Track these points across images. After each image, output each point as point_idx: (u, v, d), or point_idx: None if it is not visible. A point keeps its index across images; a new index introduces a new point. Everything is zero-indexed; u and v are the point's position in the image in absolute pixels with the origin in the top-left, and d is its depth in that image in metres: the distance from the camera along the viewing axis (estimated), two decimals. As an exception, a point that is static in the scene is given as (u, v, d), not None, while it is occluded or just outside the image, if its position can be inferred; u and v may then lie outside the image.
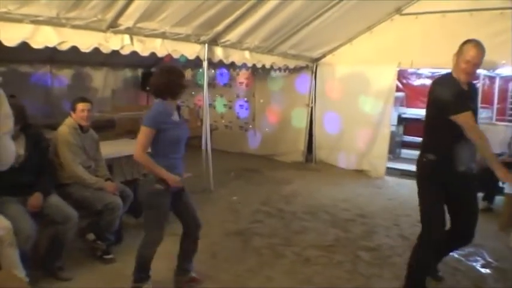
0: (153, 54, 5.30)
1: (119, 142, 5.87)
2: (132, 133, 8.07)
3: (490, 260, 4.29)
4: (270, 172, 7.82)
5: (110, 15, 4.48)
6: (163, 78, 3.21)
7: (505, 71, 8.08)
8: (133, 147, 5.14)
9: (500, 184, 5.94)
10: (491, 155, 3.09)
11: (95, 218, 3.97)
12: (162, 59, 6.32)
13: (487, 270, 4.10)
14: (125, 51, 4.94)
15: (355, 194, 6.71)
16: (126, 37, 4.83)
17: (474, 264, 4.22)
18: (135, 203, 4.23)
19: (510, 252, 4.51)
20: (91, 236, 4.08)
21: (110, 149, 4.99)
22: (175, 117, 3.33)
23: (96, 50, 4.67)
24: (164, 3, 4.71)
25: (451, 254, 4.35)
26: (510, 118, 8.60)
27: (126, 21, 4.70)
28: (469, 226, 3.36)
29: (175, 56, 5.56)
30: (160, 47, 5.27)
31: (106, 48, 4.73)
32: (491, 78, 9.47)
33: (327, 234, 4.87)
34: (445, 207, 3.28)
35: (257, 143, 9.25)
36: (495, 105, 9.09)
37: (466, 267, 4.13)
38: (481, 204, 5.93)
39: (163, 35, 5.23)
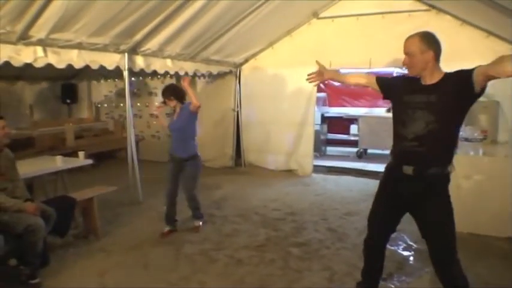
0: (70, 66, 5.13)
1: (39, 160, 5.60)
2: (54, 149, 7.79)
3: (410, 243, 4.60)
4: (200, 178, 7.79)
5: (20, 26, 4.28)
6: None
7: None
8: (54, 164, 5.02)
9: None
10: None
11: (16, 242, 3.74)
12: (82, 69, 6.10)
13: (408, 253, 4.41)
14: (39, 64, 4.74)
15: (284, 193, 6.88)
16: (39, 49, 4.64)
17: (396, 248, 4.51)
18: (60, 221, 4.07)
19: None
20: (13, 262, 3.85)
21: (30, 167, 4.77)
22: None
23: (7, 63, 4.45)
24: (79, 13, 4.53)
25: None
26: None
27: (38, 32, 4.50)
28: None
29: (94, 67, 5.41)
30: (77, 58, 5.10)
31: (17, 62, 4.51)
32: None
33: (258, 235, 4.95)
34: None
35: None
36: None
37: (389, 251, 4.36)
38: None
39: (79, 46, 5.07)
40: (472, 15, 6.27)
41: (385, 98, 3.12)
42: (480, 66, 2.52)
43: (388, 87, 3.08)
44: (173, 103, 4.86)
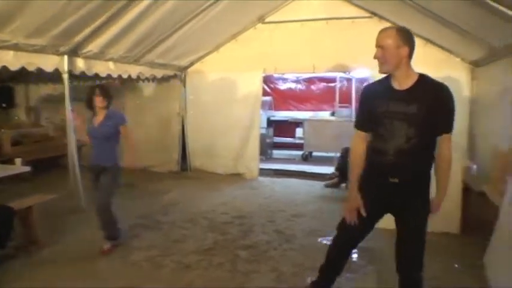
0: (5, 68, 4.87)
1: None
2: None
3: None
4: (145, 184, 7.66)
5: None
6: None
7: (359, 73, 8.99)
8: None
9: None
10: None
11: None
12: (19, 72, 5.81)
13: (355, 250, 4.47)
14: (-30, 66, 4.50)
15: (232, 197, 6.89)
16: (-29, 50, 4.41)
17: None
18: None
19: (375, 233, 4.98)
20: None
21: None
22: None
23: None
24: (15, 12, 4.31)
25: (320, 239, 4.77)
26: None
27: (-31, 32, 4.28)
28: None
29: (31, 69, 5.19)
30: (12, 60, 4.85)
31: None
32: (349, 80, 10.41)
33: (206, 239, 4.92)
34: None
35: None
36: (353, 104, 9.99)
37: None
38: (345, 192, 6.46)
39: (15, 47, 4.83)
40: (411, 23, 6.51)
41: None
42: (447, 140, 2.63)
43: (369, 115, 2.78)
44: (104, 104, 4.41)
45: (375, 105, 2.71)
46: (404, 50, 2.59)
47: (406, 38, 2.61)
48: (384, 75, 2.76)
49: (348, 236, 3.05)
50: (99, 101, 4.39)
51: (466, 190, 4.97)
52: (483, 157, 5.52)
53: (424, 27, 6.21)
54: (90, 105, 4.47)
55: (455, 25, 5.31)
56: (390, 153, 2.65)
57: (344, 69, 8.18)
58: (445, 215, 4.76)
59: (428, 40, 6.66)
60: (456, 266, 4.14)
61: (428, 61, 6.57)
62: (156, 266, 4.19)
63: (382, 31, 2.66)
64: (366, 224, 2.93)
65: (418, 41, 6.99)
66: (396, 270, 2.87)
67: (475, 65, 6.50)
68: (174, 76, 8.41)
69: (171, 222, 5.58)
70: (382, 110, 2.67)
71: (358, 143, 2.87)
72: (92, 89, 4.46)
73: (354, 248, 3.17)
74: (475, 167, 5.47)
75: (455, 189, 4.82)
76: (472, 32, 5.29)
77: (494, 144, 5.15)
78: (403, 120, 2.58)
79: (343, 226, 3.03)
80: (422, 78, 2.64)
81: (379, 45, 2.63)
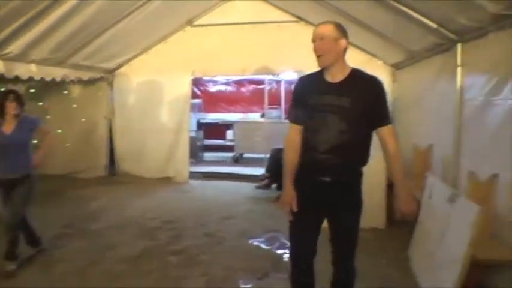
0: None
1: None
2: None
3: (284, 241, 4.81)
4: (71, 191, 7.35)
5: None
6: None
7: (287, 75, 9.23)
8: None
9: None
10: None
11: None
12: None
13: (283, 251, 4.64)
14: None
15: (162, 201, 6.82)
16: None
17: (271, 247, 4.79)
18: None
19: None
20: None
21: None
22: None
23: None
24: None
25: (251, 241, 4.87)
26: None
27: None
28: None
29: None
30: None
31: None
32: (278, 82, 10.65)
33: (135, 246, 4.83)
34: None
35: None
36: (283, 106, 10.23)
37: (264, 251, 4.70)
38: (276, 193, 6.57)
39: None
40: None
41: None
42: (388, 131, 2.62)
43: (303, 108, 2.73)
44: (17, 111, 4.09)
45: (307, 97, 2.70)
46: (343, 43, 2.65)
47: (343, 31, 2.68)
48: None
49: (300, 242, 2.87)
50: (12, 108, 4.07)
51: (390, 186, 5.23)
52: (405, 155, 5.81)
53: (348, 31, 6.49)
54: (1, 111, 4.11)
55: (376, 30, 5.60)
56: (322, 149, 2.60)
57: (271, 71, 8.34)
58: (371, 211, 5.03)
59: (351, 44, 6.95)
60: (384, 261, 4.33)
61: (351, 64, 6.89)
62: (82, 278, 4.05)
63: (319, 25, 2.71)
64: (311, 225, 2.81)
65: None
66: (331, 263, 2.90)
67: (396, 67, 6.89)
68: (101, 79, 8.16)
69: (99, 229, 5.41)
70: (314, 103, 2.65)
71: (293, 136, 2.77)
72: (5, 95, 4.14)
73: (312, 257, 2.87)
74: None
75: (380, 185, 5.09)
76: (391, 36, 5.62)
77: (414, 142, 5.49)
78: (335, 114, 2.57)
79: (292, 235, 2.89)
80: (355, 72, 2.70)
81: (318, 38, 2.65)
